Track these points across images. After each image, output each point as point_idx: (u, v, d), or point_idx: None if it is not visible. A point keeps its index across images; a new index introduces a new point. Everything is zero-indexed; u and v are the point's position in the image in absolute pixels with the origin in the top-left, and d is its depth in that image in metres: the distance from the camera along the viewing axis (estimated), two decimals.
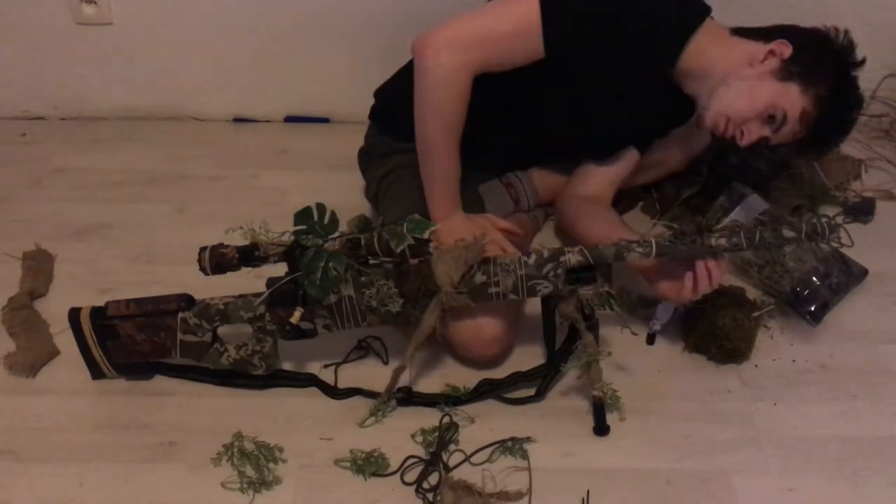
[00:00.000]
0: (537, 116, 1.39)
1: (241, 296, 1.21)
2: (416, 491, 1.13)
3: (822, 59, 1.25)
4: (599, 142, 1.46)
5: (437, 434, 1.20)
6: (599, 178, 1.49)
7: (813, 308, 1.40)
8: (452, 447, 1.20)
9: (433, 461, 1.17)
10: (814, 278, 1.41)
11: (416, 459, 1.17)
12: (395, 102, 1.43)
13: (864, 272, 1.47)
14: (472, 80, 1.21)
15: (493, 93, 1.24)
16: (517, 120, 1.41)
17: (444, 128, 1.22)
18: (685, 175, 1.66)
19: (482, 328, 1.26)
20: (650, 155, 1.54)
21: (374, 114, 1.55)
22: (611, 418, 1.23)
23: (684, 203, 1.65)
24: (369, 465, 1.16)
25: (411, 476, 1.16)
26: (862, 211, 1.66)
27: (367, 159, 1.56)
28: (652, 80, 1.33)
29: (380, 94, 1.54)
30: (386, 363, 1.33)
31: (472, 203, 1.38)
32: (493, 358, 1.31)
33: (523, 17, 1.20)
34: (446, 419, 1.23)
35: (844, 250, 1.28)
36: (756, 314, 1.37)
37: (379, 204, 1.49)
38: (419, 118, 1.23)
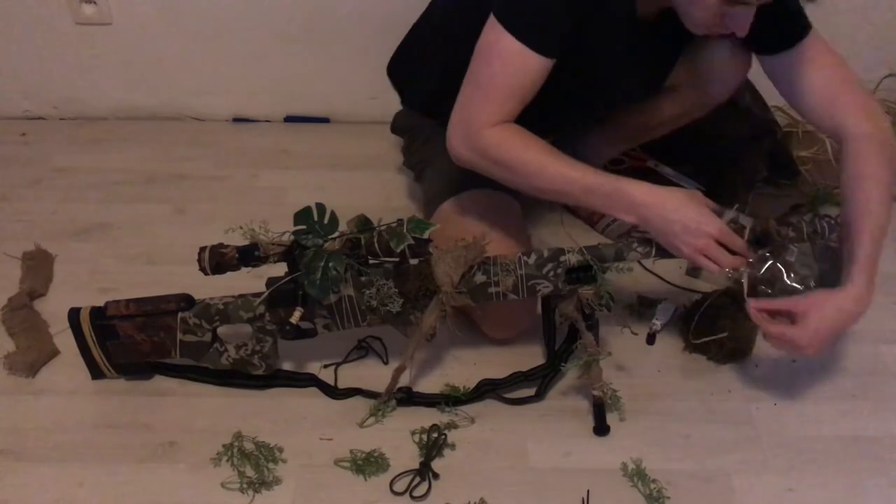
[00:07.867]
0: (564, 106, 1.31)
1: (240, 296, 1.21)
2: (411, 497, 1.13)
3: None
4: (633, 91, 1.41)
5: (426, 440, 1.20)
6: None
7: None
8: (447, 451, 1.19)
9: (422, 471, 1.16)
10: (829, 279, 1.40)
11: (407, 472, 1.16)
12: (405, 80, 1.52)
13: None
14: (513, 127, 1.16)
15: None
16: (538, 119, 1.29)
17: (542, 171, 1.14)
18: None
19: (517, 318, 1.32)
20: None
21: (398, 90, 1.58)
22: (611, 418, 1.23)
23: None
24: (369, 465, 1.16)
25: (405, 483, 1.15)
26: None
27: (399, 130, 1.63)
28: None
29: (392, 72, 1.56)
30: (386, 363, 1.33)
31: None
32: (510, 339, 1.36)
33: (506, 55, 1.12)
34: (434, 428, 1.22)
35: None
36: None
37: (423, 172, 1.54)
38: (530, 192, 1.20)
